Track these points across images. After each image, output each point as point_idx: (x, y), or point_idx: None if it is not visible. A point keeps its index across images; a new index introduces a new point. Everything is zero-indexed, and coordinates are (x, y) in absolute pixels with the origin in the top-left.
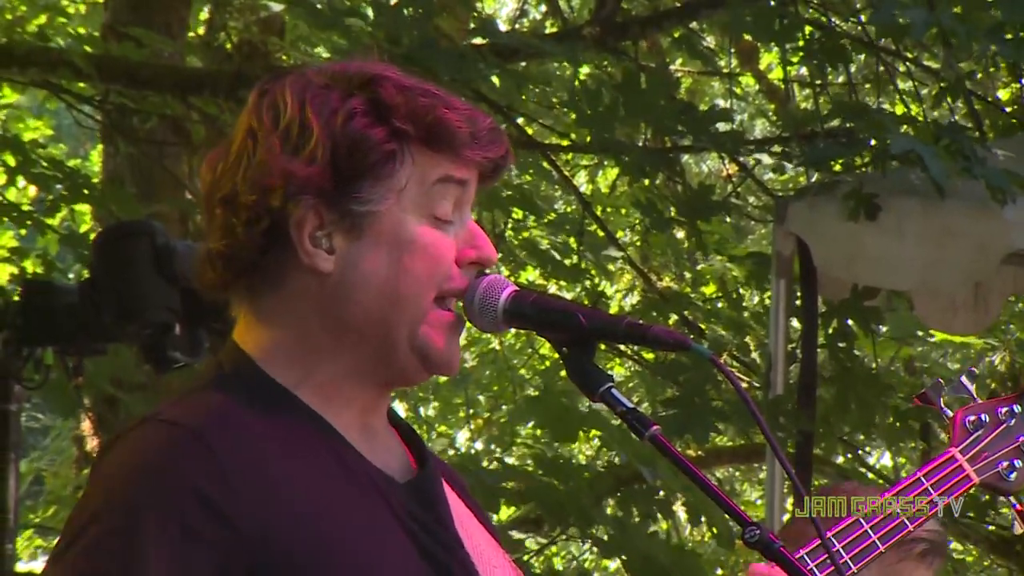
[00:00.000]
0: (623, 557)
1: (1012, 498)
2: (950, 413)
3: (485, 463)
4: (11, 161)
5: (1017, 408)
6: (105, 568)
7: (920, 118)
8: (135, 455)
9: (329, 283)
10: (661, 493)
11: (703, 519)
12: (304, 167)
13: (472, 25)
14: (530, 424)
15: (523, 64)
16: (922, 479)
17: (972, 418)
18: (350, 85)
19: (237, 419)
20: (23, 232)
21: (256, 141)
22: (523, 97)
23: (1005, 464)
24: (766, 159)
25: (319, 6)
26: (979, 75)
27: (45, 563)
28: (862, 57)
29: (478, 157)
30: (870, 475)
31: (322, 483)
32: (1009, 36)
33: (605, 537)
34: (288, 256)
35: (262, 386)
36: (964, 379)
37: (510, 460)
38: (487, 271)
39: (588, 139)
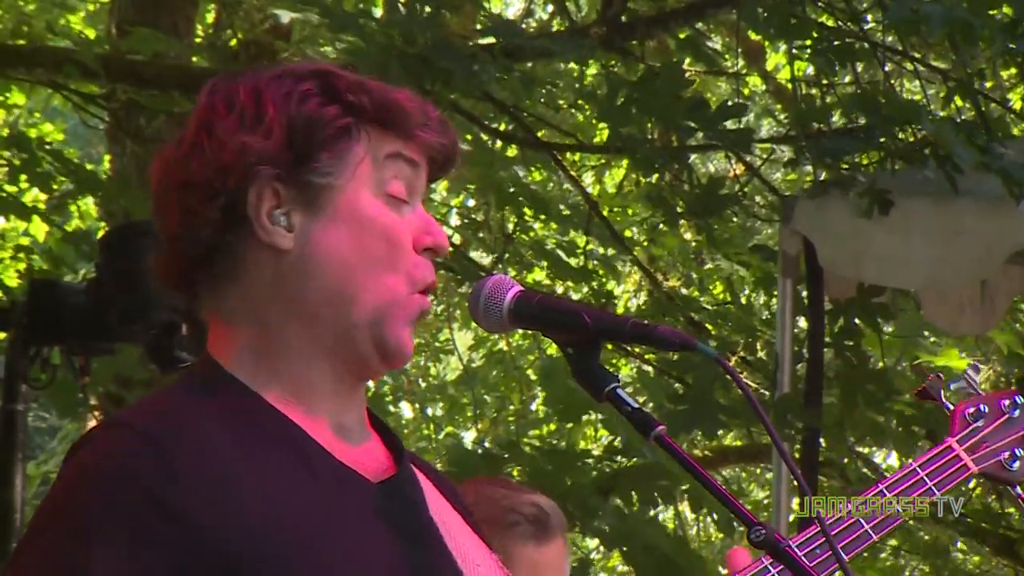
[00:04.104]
0: (624, 548)
1: (1019, 488)
2: (951, 407)
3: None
4: (16, 161)
5: (1020, 399)
6: (54, 573)
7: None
8: (91, 459)
9: (287, 260)
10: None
11: (703, 509)
12: (260, 140)
13: (479, 26)
14: (541, 428)
15: (529, 64)
16: (917, 469)
17: (972, 410)
18: (300, 73)
19: (195, 421)
20: (38, 237)
21: (210, 131)
22: (529, 102)
23: (1007, 454)
24: (773, 158)
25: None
26: (988, 83)
27: (6, 563)
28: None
29: (429, 139)
30: (875, 477)
31: (283, 484)
32: (1018, 34)
33: (606, 528)
34: (246, 239)
35: (225, 387)
36: (970, 371)
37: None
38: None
39: (604, 136)
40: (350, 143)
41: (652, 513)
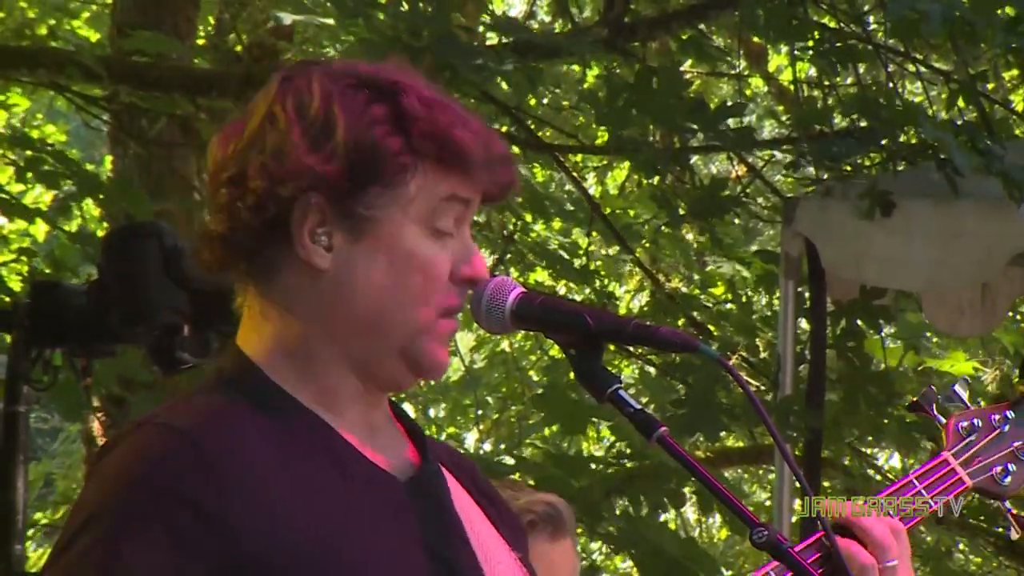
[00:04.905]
0: (632, 552)
1: (1008, 502)
2: (943, 420)
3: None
4: (20, 162)
5: (1011, 414)
6: (93, 572)
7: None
8: (127, 461)
9: (323, 280)
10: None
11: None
12: (323, 163)
13: (481, 28)
14: (542, 430)
15: (532, 65)
16: (915, 481)
17: (965, 424)
18: (376, 89)
19: (232, 422)
20: (38, 238)
21: (274, 126)
22: (532, 102)
23: (999, 468)
24: (775, 159)
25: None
26: (990, 85)
27: (43, 567)
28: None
29: (487, 181)
30: (878, 477)
31: (315, 486)
32: (1020, 32)
33: (613, 531)
34: (285, 247)
35: (262, 389)
36: (957, 387)
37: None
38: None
39: (604, 138)
40: (404, 179)
41: (663, 518)
